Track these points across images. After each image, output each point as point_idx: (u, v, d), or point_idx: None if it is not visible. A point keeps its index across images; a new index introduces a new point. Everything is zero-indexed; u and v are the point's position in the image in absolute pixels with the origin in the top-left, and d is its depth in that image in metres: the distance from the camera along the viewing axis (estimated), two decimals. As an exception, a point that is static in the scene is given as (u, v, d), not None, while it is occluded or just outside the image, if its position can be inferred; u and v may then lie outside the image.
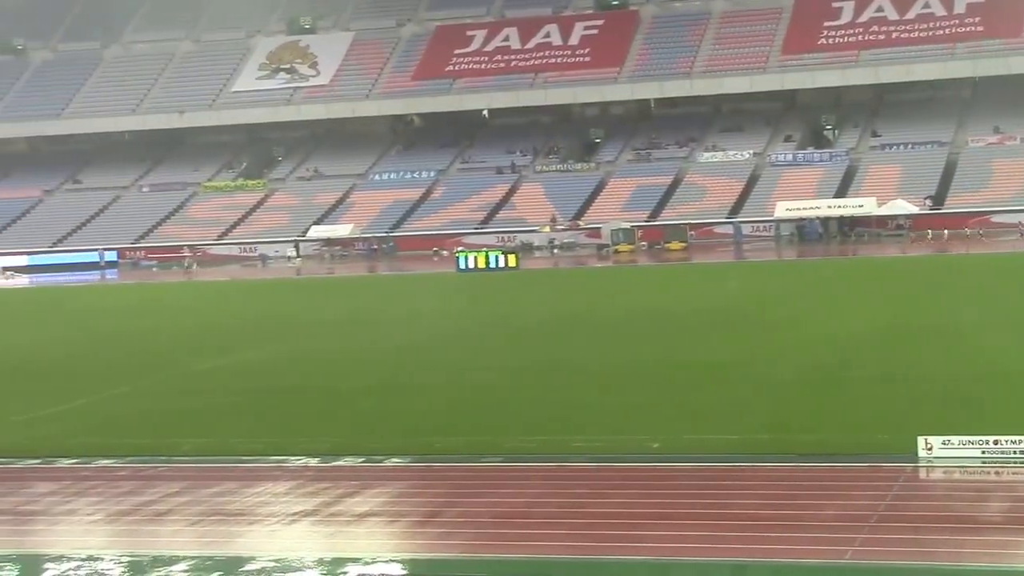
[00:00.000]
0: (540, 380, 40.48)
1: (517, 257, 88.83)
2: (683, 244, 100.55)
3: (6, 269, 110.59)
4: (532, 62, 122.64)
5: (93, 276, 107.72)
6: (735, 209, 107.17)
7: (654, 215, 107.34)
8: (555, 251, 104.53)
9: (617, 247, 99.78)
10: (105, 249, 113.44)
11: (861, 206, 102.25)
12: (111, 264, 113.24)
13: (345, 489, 28.18)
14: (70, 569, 23.93)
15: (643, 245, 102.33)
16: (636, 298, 64.42)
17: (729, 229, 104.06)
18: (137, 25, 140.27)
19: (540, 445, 31.18)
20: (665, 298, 63.58)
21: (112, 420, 37.94)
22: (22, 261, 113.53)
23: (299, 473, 30.14)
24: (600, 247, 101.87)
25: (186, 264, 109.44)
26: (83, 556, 24.61)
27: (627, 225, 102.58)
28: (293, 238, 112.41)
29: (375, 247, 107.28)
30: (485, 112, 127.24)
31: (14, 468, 32.35)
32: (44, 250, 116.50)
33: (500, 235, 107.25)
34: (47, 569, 24.03)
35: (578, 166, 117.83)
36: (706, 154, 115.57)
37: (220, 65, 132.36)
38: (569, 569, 22.68)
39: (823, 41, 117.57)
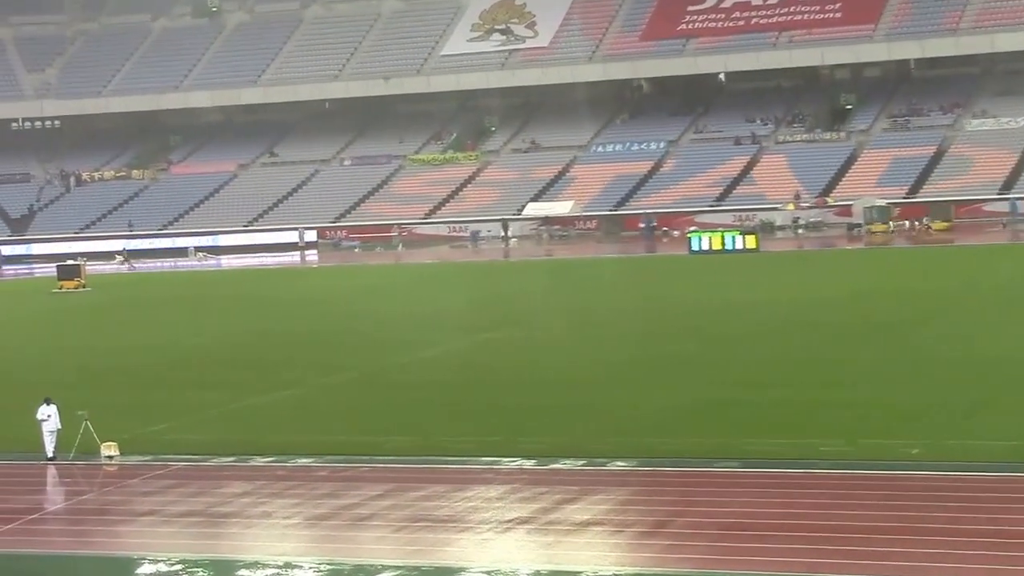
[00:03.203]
0: (782, 376, 40.15)
1: (757, 238, 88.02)
2: (947, 224, 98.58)
3: (199, 250, 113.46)
4: (775, 19, 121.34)
5: (291, 258, 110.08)
6: (1008, 184, 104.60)
7: (913, 191, 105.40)
8: (799, 231, 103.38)
9: (870, 227, 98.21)
10: (304, 228, 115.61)
11: None
12: (310, 245, 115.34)
13: (564, 495, 28.35)
14: (265, 576, 24.61)
15: (900, 225, 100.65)
16: (892, 284, 63.40)
17: (1003, 207, 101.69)
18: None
19: (782, 449, 30.94)
20: (927, 285, 62.47)
21: (310, 415, 38.76)
22: (215, 241, 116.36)
23: (513, 476, 30.41)
24: (851, 227, 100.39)
25: (393, 244, 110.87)
26: (279, 563, 25.23)
27: (882, 202, 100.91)
28: (507, 216, 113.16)
29: (653, 224, 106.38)
30: (722, 76, 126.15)
31: (207, 466, 33.28)
32: (239, 229, 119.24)
33: (738, 213, 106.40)
34: (241, 576, 24.74)
35: (826, 135, 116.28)
36: (975, 121, 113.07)
37: (429, 26, 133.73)
38: (814, 589, 22.53)
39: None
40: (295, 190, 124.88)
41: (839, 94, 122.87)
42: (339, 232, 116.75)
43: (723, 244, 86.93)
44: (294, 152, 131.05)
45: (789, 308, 56.32)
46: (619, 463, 30.82)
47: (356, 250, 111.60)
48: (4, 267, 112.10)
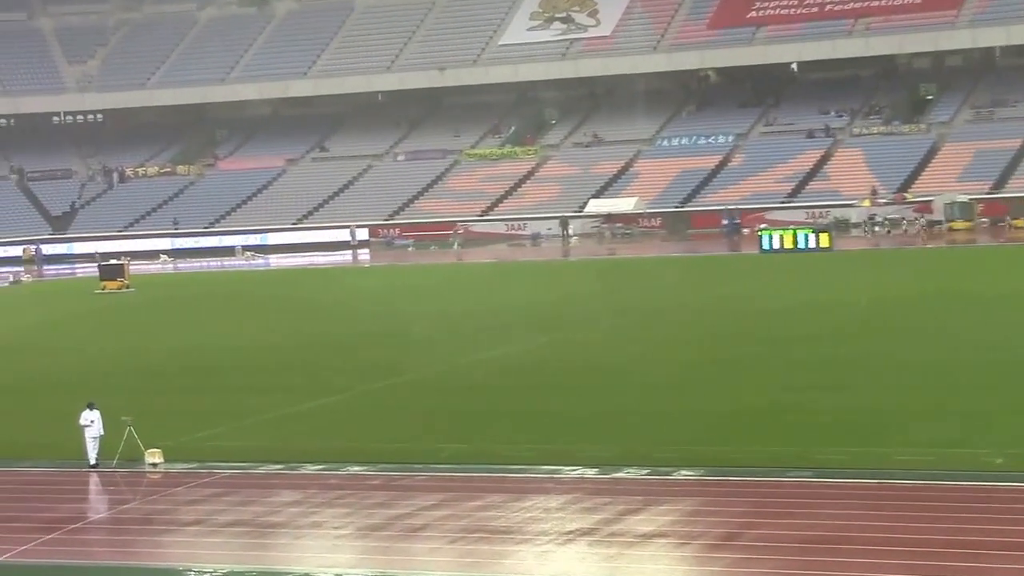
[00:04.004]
0: (858, 380, 39.98)
1: (830, 236, 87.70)
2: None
3: (246, 249, 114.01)
4: (851, 5, 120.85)
5: (342, 257, 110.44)
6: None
7: (998, 186, 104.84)
8: (876, 229, 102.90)
9: (952, 224, 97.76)
10: (356, 226, 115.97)
11: None
12: (362, 243, 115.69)
13: (627, 505, 28.36)
14: (316, 589, 24.75)
15: (984, 222, 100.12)
16: (975, 285, 63.08)
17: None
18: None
19: (856, 458, 30.84)
20: (1012, 285, 62.08)
21: (363, 421, 38.90)
22: (263, 240, 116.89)
23: (575, 485, 30.44)
24: (931, 224, 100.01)
25: (449, 243, 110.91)
26: (330, 575, 25.36)
27: (964, 198, 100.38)
28: (568, 213, 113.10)
29: (736, 221, 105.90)
30: (794, 65, 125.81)
31: (255, 474, 33.45)
32: (287, 227, 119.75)
33: (810, 210, 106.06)
34: (291, 588, 24.90)
35: (905, 128, 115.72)
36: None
37: (486, 14, 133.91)
38: (891, 605, 22.46)
39: None
40: (346, 186, 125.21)
41: (919, 84, 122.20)
42: (392, 230, 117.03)
43: (795, 242, 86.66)
44: (345, 147, 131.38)
45: (863, 310, 56.14)
46: (685, 472, 30.78)
47: (410, 249, 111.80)
48: (45, 267, 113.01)
